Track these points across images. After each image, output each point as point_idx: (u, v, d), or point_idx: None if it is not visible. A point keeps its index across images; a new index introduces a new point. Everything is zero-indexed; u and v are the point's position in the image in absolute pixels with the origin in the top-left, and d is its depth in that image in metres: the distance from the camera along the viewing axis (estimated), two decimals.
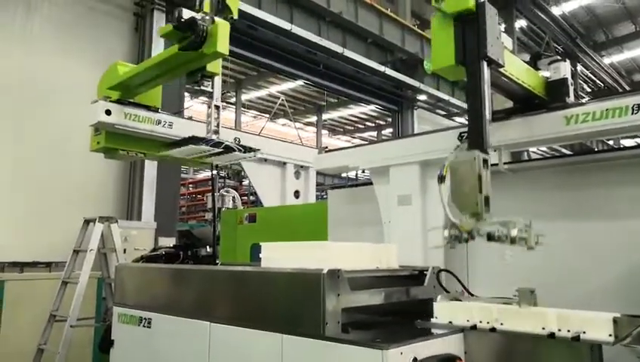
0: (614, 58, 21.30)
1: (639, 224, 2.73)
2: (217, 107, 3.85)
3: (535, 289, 2.40)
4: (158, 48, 7.64)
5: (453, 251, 3.28)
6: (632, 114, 2.52)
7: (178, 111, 6.52)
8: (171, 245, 5.14)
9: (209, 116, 3.84)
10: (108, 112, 3.94)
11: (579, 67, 20.40)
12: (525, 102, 2.92)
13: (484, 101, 2.29)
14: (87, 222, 5.09)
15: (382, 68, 11.64)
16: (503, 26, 2.57)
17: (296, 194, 5.25)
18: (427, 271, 2.89)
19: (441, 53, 2.47)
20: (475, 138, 2.29)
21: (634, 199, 2.76)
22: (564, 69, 2.97)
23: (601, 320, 2.12)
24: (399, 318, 2.70)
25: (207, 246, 5.07)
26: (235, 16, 3.42)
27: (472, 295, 2.85)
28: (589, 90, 22.45)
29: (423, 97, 13.84)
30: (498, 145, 2.98)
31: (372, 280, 2.65)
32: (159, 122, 4.34)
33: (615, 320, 2.10)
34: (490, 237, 2.24)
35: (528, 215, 3.13)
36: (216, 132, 3.83)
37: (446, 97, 13.83)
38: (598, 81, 22.08)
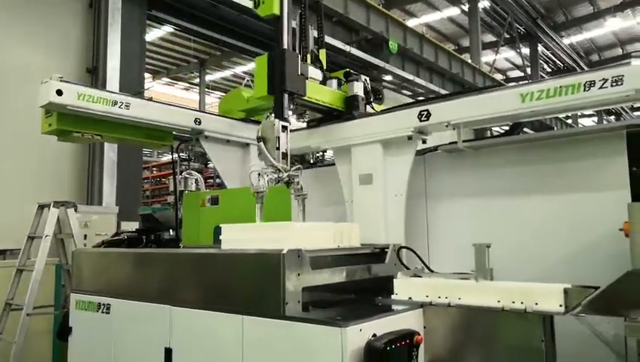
0: (573, 39, 21.84)
1: (589, 196, 2.82)
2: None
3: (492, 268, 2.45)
4: (115, 25, 7.36)
5: (414, 228, 3.33)
6: (584, 91, 2.58)
7: (138, 92, 6.33)
8: (133, 229, 5.03)
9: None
10: (59, 93, 3.76)
11: (540, 47, 20.86)
12: (329, 114, 3.72)
13: (284, 108, 3.11)
14: (41, 207, 4.90)
15: (347, 48, 11.56)
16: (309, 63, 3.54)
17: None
18: (388, 248, 2.92)
19: (259, 85, 3.20)
20: (277, 111, 3.10)
21: (584, 172, 2.85)
22: (357, 87, 3.71)
23: (553, 291, 2.19)
24: (361, 296, 2.73)
25: (171, 230, 4.98)
26: None
27: (432, 271, 2.91)
28: (549, 70, 23.00)
29: (388, 77, 13.85)
30: (457, 122, 3.02)
31: (334, 259, 2.66)
32: (115, 103, 4.18)
33: (566, 291, 2.18)
34: (287, 184, 3.05)
35: (489, 191, 3.21)
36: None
37: (411, 77, 13.87)
38: (557, 62, 22.64)
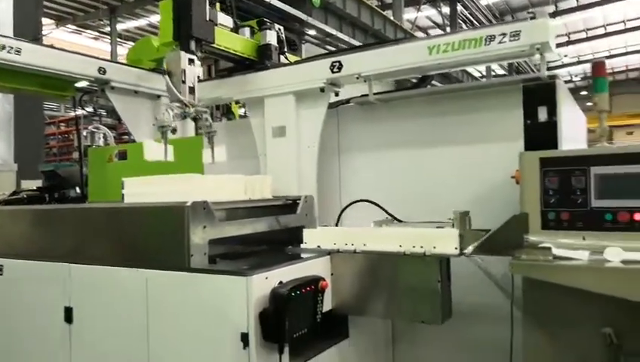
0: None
1: (489, 147, 2.98)
2: None
3: (469, 211, 2.53)
4: None
5: (327, 181, 3.37)
6: (485, 45, 2.67)
7: (36, 38, 5.75)
8: (34, 188, 4.68)
9: None
10: None
11: (459, 7, 21.43)
12: (240, 63, 3.66)
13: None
14: None
15: None
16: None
17: (174, 130, 4.96)
18: (300, 200, 2.93)
19: (164, 31, 3.06)
20: (184, 43, 2.97)
21: (487, 124, 2.99)
22: (270, 35, 3.63)
23: (450, 235, 2.32)
24: (272, 246, 2.74)
25: (77, 188, 4.69)
26: None
27: (400, 221, 2.95)
28: (467, 29, 23.77)
29: (312, 32, 13.63)
30: (368, 74, 3.03)
31: (244, 211, 2.63)
32: (3, 47, 3.76)
33: (461, 235, 2.32)
34: (194, 120, 3.11)
35: (398, 143, 3.30)
36: None
37: (334, 32, 13.75)
38: (475, 22, 23.43)
